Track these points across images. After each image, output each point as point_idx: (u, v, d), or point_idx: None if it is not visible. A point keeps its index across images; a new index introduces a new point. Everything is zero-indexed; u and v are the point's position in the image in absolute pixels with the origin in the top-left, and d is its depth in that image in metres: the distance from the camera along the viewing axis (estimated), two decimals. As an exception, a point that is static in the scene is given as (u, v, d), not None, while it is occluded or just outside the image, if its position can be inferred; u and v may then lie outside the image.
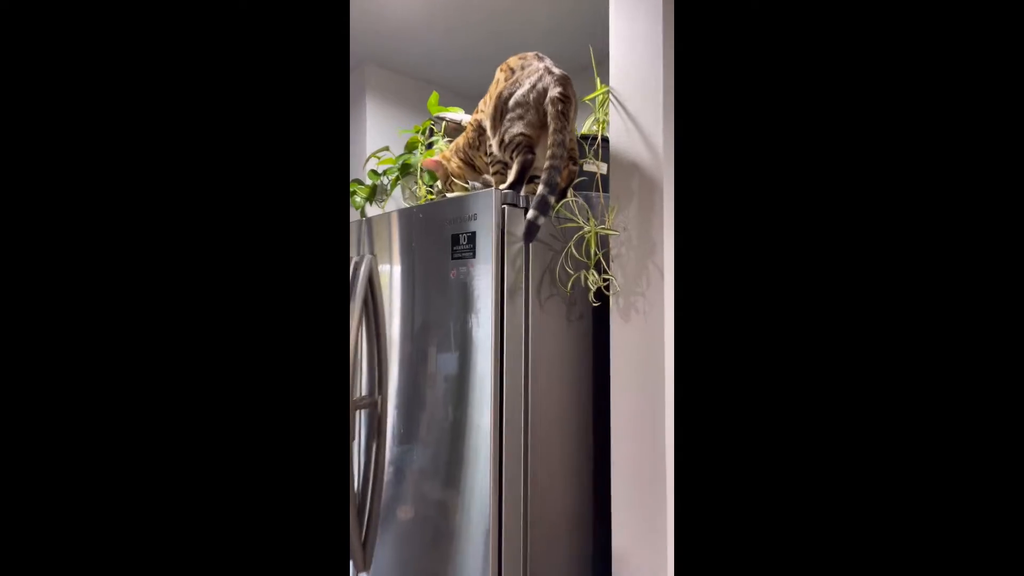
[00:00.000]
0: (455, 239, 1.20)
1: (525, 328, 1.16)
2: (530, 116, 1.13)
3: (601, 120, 1.31)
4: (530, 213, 1.08)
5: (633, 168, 1.20)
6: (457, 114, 1.54)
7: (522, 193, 1.18)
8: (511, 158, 1.18)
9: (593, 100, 1.29)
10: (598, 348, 1.31)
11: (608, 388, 1.29)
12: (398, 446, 1.31)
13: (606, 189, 1.27)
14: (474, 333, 1.17)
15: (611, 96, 1.23)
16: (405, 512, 1.27)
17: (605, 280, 1.18)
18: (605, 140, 1.31)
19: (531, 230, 1.07)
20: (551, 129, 1.09)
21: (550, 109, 1.10)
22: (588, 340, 1.29)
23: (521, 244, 1.16)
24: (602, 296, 1.22)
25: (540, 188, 1.08)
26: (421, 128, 1.63)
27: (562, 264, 1.19)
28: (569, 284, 1.17)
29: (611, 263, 1.20)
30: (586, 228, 1.18)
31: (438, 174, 1.44)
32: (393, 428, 1.33)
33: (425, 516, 1.22)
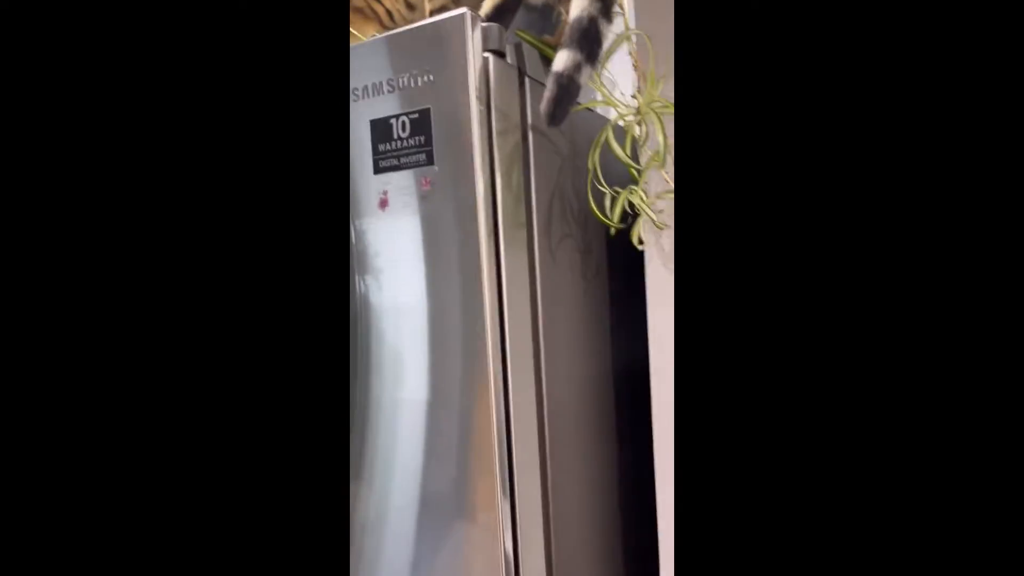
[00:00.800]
0: (381, 129, 0.59)
1: (532, 292, 0.62)
2: None
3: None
4: (562, 57, 0.51)
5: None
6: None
7: (510, 42, 0.60)
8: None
9: None
10: (624, 320, 0.82)
11: (637, 373, 0.82)
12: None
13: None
14: (389, 293, 0.60)
15: None
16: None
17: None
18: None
19: (564, 97, 0.51)
20: None
21: None
22: (606, 307, 0.78)
23: (515, 138, 0.60)
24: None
25: (579, 6, 0.51)
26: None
27: (592, 179, 0.65)
28: (617, 209, 0.64)
29: (641, 175, 0.68)
30: (623, 109, 0.65)
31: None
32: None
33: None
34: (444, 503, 0.62)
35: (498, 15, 0.59)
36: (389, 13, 0.77)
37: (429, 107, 0.56)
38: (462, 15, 0.54)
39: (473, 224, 0.55)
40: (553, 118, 0.52)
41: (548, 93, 0.52)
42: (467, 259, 0.56)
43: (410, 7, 0.75)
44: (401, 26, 0.79)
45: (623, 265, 0.80)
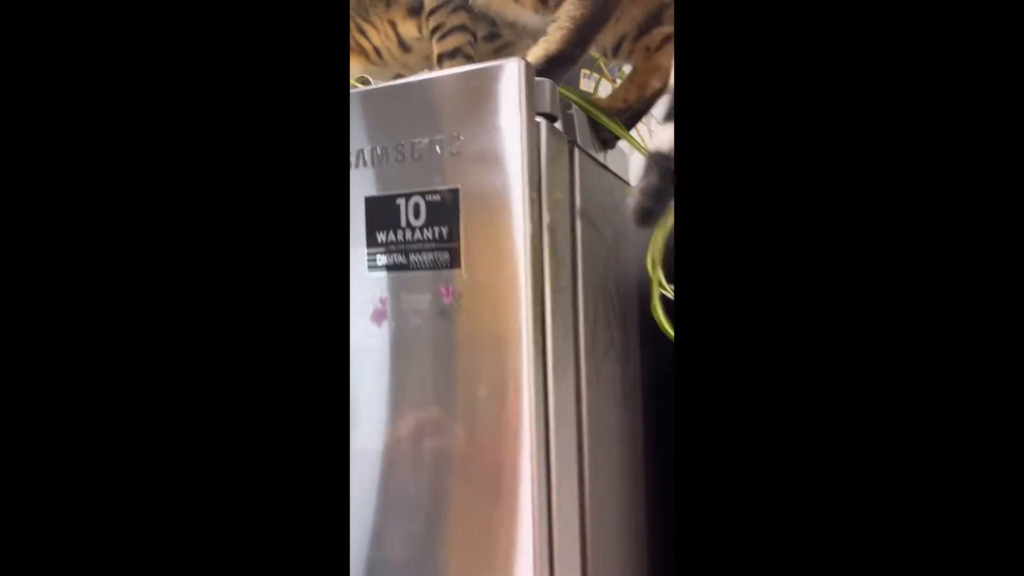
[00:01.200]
0: (383, 211, 0.42)
1: (579, 438, 0.45)
2: None
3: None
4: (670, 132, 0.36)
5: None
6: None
7: (559, 102, 0.45)
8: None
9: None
10: (660, 442, 0.66)
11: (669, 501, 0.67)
12: None
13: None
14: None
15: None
16: None
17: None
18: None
19: (670, 188, 0.36)
20: None
21: None
22: (641, 430, 0.63)
23: (565, 228, 0.44)
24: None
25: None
26: None
27: (658, 291, 0.49)
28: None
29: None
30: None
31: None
32: None
33: None
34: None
35: (549, 68, 0.45)
36: (377, 50, 0.61)
37: (458, 187, 0.39)
38: (509, 62, 0.38)
39: (515, 362, 0.38)
40: (649, 216, 0.37)
41: (647, 183, 0.37)
42: (504, 404, 0.39)
43: (404, 47, 0.60)
44: (391, 66, 0.63)
45: (657, 368, 0.66)
